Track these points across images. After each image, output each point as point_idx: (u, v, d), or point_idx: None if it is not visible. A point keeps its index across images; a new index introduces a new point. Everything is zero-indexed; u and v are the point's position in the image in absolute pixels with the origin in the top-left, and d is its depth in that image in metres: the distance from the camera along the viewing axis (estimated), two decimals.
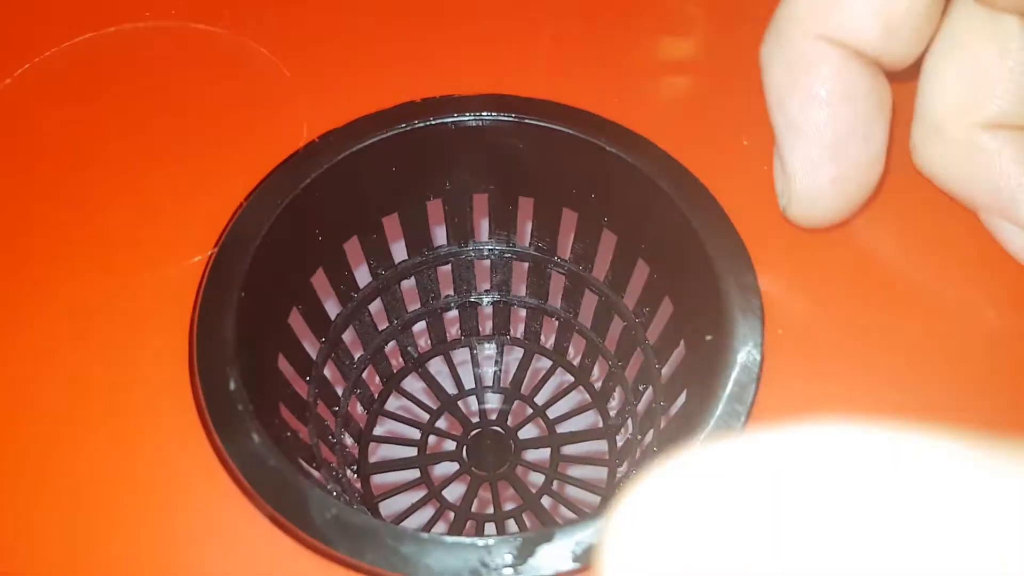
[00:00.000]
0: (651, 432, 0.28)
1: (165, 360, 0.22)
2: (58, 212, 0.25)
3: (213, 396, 0.21)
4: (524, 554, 0.19)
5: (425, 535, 0.20)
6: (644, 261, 0.28)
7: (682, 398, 0.26)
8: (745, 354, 0.22)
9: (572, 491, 0.33)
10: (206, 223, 0.24)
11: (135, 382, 0.22)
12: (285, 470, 0.20)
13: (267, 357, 0.26)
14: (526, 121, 0.27)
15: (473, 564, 0.19)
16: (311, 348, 0.29)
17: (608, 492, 0.32)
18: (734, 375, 0.22)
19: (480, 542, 0.19)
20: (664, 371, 0.28)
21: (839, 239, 0.24)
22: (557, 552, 0.19)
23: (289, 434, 0.25)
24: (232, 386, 0.21)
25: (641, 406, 0.31)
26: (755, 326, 0.22)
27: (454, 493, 0.33)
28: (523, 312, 0.35)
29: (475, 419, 0.35)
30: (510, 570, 0.19)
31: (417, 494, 0.32)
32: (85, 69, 0.28)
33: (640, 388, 0.30)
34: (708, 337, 0.24)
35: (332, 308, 0.30)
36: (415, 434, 0.34)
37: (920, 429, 0.09)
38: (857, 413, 0.22)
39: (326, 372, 0.30)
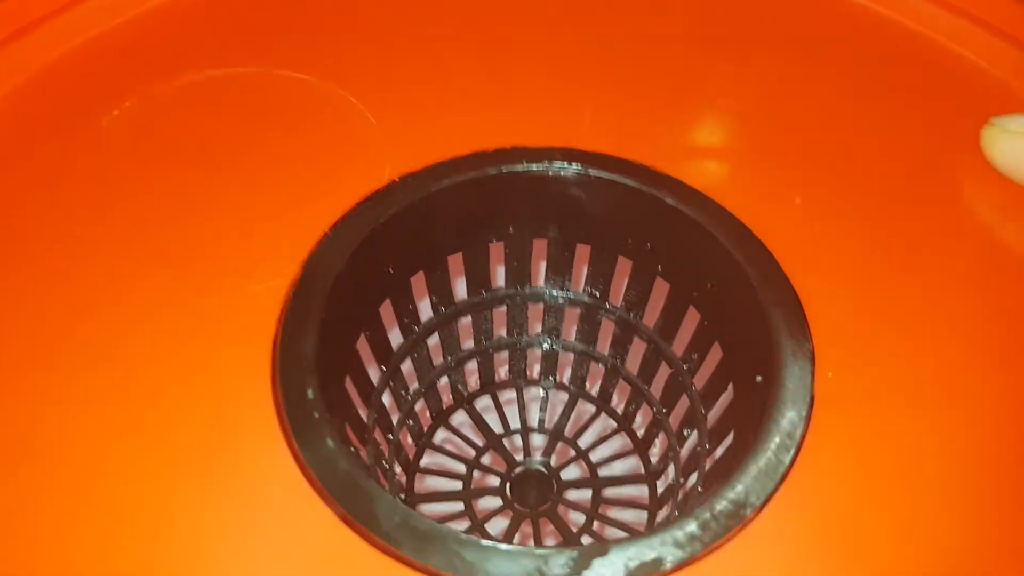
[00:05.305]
0: (694, 475, 0.29)
1: (250, 370, 0.24)
2: (158, 235, 0.27)
3: (292, 403, 0.23)
4: (580, 566, 0.20)
5: (486, 542, 0.21)
6: (695, 308, 0.29)
7: (729, 439, 0.27)
8: (796, 394, 0.23)
9: (612, 532, 0.34)
10: (292, 249, 0.26)
11: (222, 389, 0.24)
12: (356, 474, 0.22)
13: (337, 377, 0.27)
14: (589, 172, 0.29)
15: (531, 572, 0.20)
16: (373, 374, 0.30)
17: None
18: (785, 413, 0.23)
19: (538, 551, 0.21)
20: (710, 415, 0.29)
21: (891, 287, 0.26)
22: (612, 566, 0.20)
23: (353, 449, 0.26)
24: (311, 395, 0.23)
25: (684, 451, 0.32)
26: (806, 368, 0.24)
27: (496, 527, 0.34)
28: (571, 356, 0.36)
29: (519, 457, 0.36)
30: None
31: (461, 525, 0.33)
32: (185, 108, 0.31)
33: (684, 433, 0.31)
34: (758, 378, 0.25)
35: (395, 338, 0.31)
36: (461, 468, 0.35)
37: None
38: (904, 453, 0.23)
39: (384, 399, 0.31)
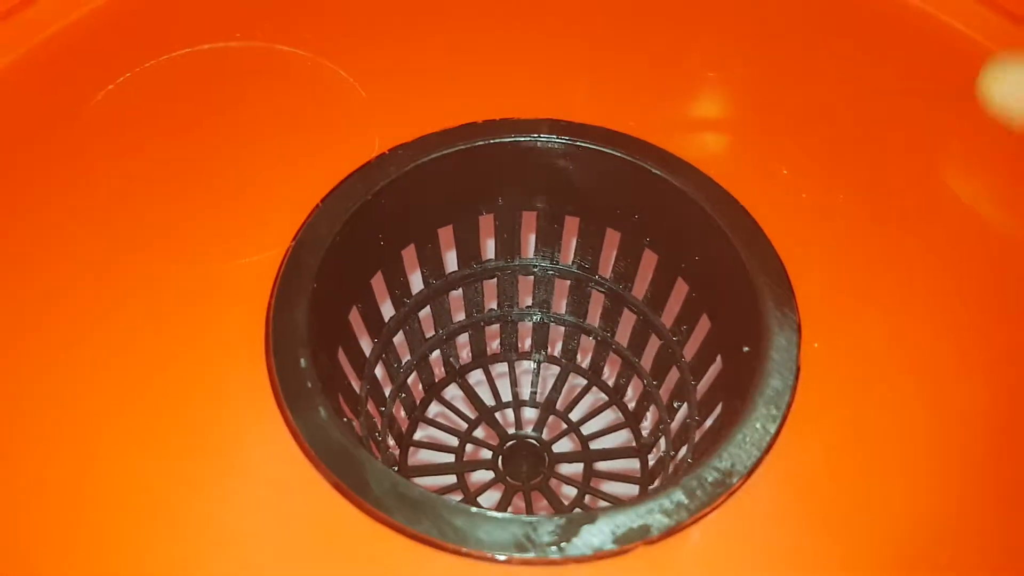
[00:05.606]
0: (684, 447, 0.29)
1: (243, 341, 0.24)
2: (149, 207, 0.27)
3: (285, 373, 0.23)
4: (568, 533, 0.21)
5: (475, 509, 0.21)
6: (683, 279, 0.29)
7: (717, 410, 0.28)
8: (782, 364, 0.23)
9: (603, 505, 0.34)
10: (284, 221, 0.26)
11: (216, 360, 0.24)
12: (348, 443, 0.22)
13: (330, 348, 0.27)
14: (577, 143, 0.29)
15: (519, 539, 0.21)
16: (365, 346, 0.30)
17: None
18: (770, 382, 0.23)
19: (527, 518, 0.21)
20: (699, 387, 0.30)
21: (877, 258, 0.26)
22: (599, 533, 0.21)
23: (346, 420, 0.26)
24: (303, 364, 0.23)
25: (675, 423, 0.32)
26: (791, 338, 0.24)
27: (488, 500, 0.34)
28: (561, 329, 0.36)
29: (511, 430, 0.36)
30: (554, 547, 0.20)
31: (453, 499, 0.33)
32: (179, 81, 0.31)
33: (675, 405, 0.32)
34: (745, 348, 0.25)
35: (387, 311, 0.31)
36: (453, 441, 0.35)
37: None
38: (886, 423, 0.23)
39: (376, 372, 0.31)
